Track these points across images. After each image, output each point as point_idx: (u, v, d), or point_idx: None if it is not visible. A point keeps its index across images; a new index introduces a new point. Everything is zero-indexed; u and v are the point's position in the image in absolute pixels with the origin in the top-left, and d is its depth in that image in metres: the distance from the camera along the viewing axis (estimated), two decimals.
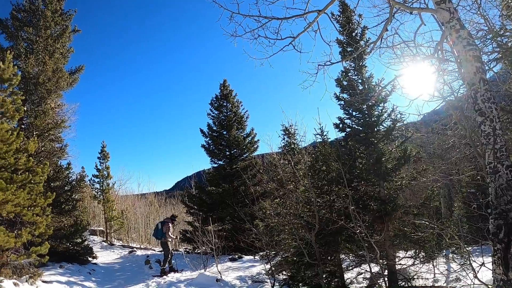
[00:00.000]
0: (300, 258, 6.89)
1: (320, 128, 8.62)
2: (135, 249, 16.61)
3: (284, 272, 8.21)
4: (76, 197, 12.78)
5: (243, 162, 15.73)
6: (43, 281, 7.46)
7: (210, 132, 16.20)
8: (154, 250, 16.99)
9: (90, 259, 12.15)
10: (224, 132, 16.06)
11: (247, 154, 16.16)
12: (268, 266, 8.41)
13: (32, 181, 8.18)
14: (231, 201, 14.35)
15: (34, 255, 7.23)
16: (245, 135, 16.28)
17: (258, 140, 16.43)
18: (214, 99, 16.46)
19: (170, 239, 10.05)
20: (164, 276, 9.24)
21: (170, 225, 10.11)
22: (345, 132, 8.22)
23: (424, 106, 11.79)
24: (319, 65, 5.06)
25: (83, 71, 15.87)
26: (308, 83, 5.34)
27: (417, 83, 5.67)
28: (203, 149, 16.10)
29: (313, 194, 6.39)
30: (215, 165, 16.12)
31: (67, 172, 12.63)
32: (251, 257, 12.10)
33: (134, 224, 23.29)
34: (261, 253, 9.93)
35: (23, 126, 12.21)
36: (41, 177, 8.38)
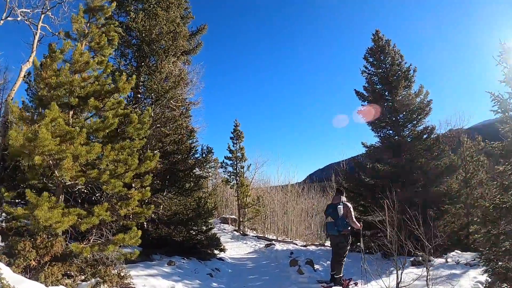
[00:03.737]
0: None
1: None
2: (273, 242, 13.42)
3: None
4: (200, 173, 10.15)
5: (414, 130, 11.27)
6: None
7: (367, 94, 12.19)
8: (296, 245, 13.56)
9: (216, 252, 9.40)
10: (386, 93, 11.84)
11: (419, 119, 11.41)
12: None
13: (122, 134, 5.50)
14: (403, 181, 10.19)
15: (112, 247, 4.31)
16: (413, 94, 11.60)
17: (431, 100, 11.52)
18: (369, 53, 12.46)
19: (355, 227, 6.13)
20: None
21: (349, 204, 6.21)
22: None
23: None
24: None
25: (205, 31, 13.61)
26: None
27: None
28: (361, 115, 12.04)
29: None
30: (377, 135, 11.90)
31: (189, 141, 10.13)
32: (441, 260, 8.04)
33: (270, 212, 20.55)
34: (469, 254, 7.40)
35: (139, 96, 10.41)
36: (138, 129, 5.58)
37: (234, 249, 11.75)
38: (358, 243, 6.84)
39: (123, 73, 5.91)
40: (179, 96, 10.95)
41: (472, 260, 7.74)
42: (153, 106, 10.17)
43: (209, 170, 10.87)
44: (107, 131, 4.98)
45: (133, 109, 8.26)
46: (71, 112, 5.40)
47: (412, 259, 7.89)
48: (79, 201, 5.53)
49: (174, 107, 11.01)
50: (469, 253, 9.04)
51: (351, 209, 6.10)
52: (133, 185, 5.64)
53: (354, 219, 6.06)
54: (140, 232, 4.69)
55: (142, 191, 5.06)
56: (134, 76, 6.10)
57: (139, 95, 10.43)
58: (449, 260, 8.03)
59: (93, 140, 5.32)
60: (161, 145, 9.49)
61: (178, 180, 9.07)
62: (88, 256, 4.24)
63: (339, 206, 6.08)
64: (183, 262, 7.06)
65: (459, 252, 9.04)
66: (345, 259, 6.20)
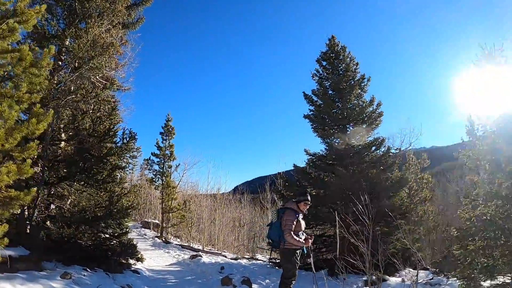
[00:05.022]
0: None
1: None
2: (200, 252, 11.67)
3: None
4: (118, 162, 8.22)
5: (363, 139, 10.72)
6: None
7: (316, 98, 11.39)
8: (226, 257, 12.05)
9: (131, 262, 7.58)
10: (337, 100, 11.22)
11: (369, 129, 11.06)
12: None
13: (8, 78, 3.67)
14: (350, 193, 9.34)
15: None
16: (366, 104, 11.22)
17: (382, 111, 11.19)
18: (322, 56, 11.68)
19: (295, 244, 4.61)
20: None
21: (297, 214, 4.70)
22: None
23: None
24: None
25: (149, 3, 11.76)
26: None
27: None
28: (308, 120, 11.31)
29: None
30: (323, 142, 11.21)
31: (109, 122, 8.25)
32: (397, 279, 7.71)
33: (197, 220, 18.78)
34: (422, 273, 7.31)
35: (60, 63, 8.28)
36: (32, 75, 3.77)
37: (154, 258, 9.92)
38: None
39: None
40: (106, 69, 8.99)
41: (431, 279, 7.46)
42: (71, 74, 8.16)
43: (130, 160, 9.02)
44: None
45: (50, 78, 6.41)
46: None
47: (364, 278, 7.04)
48: None
49: (99, 83, 9.03)
50: (421, 271, 8.61)
51: (289, 217, 4.58)
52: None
53: (292, 233, 4.50)
54: (5, 227, 2.90)
55: (20, 165, 3.27)
56: (44, 5, 4.30)
57: (60, 62, 8.30)
58: (405, 279, 7.58)
59: None
60: (73, 119, 7.53)
61: (89, 167, 7.12)
62: None
63: (283, 214, 4.72)
64: (84, 275, 5.18)
65: (410, 269, 8.53)
66: (292, 281, 4.70)
